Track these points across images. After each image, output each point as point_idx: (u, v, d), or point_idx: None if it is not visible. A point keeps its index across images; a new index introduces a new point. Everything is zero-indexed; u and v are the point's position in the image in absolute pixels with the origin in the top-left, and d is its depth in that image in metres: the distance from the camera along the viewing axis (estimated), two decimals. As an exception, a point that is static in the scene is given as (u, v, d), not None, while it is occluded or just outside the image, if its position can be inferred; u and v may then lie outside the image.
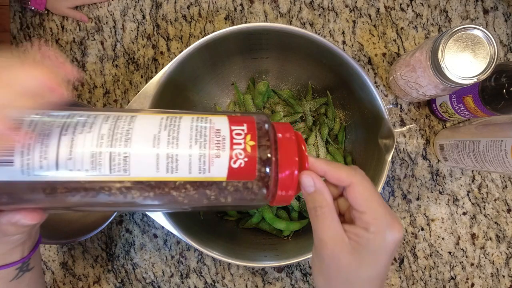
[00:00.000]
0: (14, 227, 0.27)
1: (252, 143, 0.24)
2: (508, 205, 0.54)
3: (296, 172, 0.25)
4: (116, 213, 0.46)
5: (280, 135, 0.25)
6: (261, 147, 0.24)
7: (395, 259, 0.55)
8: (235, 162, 0.23)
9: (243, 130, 0.24)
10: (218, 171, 0.23)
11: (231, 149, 0.24)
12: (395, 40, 0.56)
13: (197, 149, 0.23)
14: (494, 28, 0.55)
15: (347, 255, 0.24)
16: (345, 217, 0.27)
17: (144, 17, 0.57)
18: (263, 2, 0.56)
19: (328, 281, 0.26)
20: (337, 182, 0.26)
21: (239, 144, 0.24)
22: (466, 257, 0.54)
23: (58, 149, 0.23)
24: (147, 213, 0.41)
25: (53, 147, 0.23)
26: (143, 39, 0.57)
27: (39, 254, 0.38)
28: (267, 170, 0.24)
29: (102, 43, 0.57)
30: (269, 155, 0.24)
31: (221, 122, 0.25)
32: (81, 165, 0.23)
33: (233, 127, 0.25)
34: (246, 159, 0.24)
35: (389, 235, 0.24)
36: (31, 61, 0.24)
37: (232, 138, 0.24)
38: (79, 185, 0.23)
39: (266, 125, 0.26)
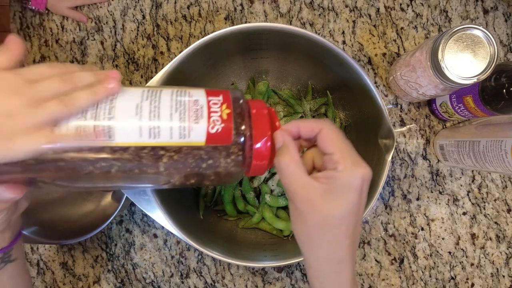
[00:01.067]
0: None
1: (227, 111, 0.26)
2: (508, 205, 0.54)
3: (269, 142, 0.27)
4: (116, 212, 0.46)
5: (254, 109, 0.28)
6: (236, 114, 0.27)
7: (395, 259, 0.55)
8: (212, 128, 0.26)
9: (219, 100, 0.27)
10: (197, 136, 0.26)
11: (209, 116, 0.26)
12: (395, 40, 0.56)
13: (177, 116, 0.26)
14: (494, 28, 0.55)
15: (319, 197, 0.26)
16: (320, 168, 0.29)
17: (144, 17, 0.57)
18: (263, 2, 0.56)
19: (305, 225, 0.27)
20: (310, 132, 0.28)
21: (216, 112, 0.26)
22: (466, 257, 0.54)
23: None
24: (146, 212, 0.41)
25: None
26: (143, 39, 0.57)
27: (22, 248, 0.38)
28: (242, 136, 0.26)
29: (102, 43, 0.57)
30: (243, 123, 0.27)
31: (198, 94, 0.27)
32: (64, 132, 0.24)
33: (210, 98, 0.27)
34: (222, 125, 0.26)
35: (355, 171, 0.26)
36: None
37: (209, 107, 0.26)
38: (64, 153, 0.24)
39: (241, 100, 0.28)
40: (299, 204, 0.27)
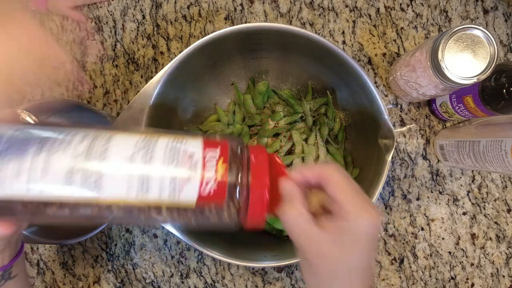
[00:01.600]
0: None
1: (223, 167, 0.24)
2: (508, 205, 0.54)
3: (266, 193, 0.25)
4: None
5: (253, 156, 0.26)
6: (232, 171, 0.24)
7: (395, 259, 0.55)
8: (206, 186, 0.24)
9: (215, 154, 0.25)
10: (189, 196, 0.24)
11: (203, 174, 0.24)
12: (395, 40, 0.56)
13: (169, 173, 0.24)
14: (494, 28, 0.55)
15: (329, 248, 0.25)
16: (330, 212, 0.28)
17: (144, 17, 0.57)
18: (263, 2, 0.56)
19: (315, 276, 0.27)
20: (316, 179, 0.27)
21: (211, 168, 0.24)
22: (466, 257, 0.54)
23: (31, 166, 0.23)
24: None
25: (27, 164, 0.23)
26: (143, 39, 0.57)
27: (23, 263, 0.38)
28: (237, 191, 0.24)
29: (102, 43, 0.57)
30: (239, 179, 0.25)
31: (194, 146, 0.25)
32: (54, 183, 0.23)
33: (206, 152, 0.25)
34: (216, 185, 0.24)
35: (364, 218, 0.25)
36: (25, 18, 0.25)
37: (204, 163, 0.24)
38: (52, 203, 0.23)
39: (239, 149, 0.26)
40: (309, 257, 0.26)
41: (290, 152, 0.52)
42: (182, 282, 0.55)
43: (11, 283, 0.35)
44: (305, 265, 0.27)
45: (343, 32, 0.56)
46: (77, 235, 0.49)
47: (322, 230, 0.26)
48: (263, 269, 0.55)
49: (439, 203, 0.55)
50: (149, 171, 0.24)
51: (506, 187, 0.54)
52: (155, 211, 0.24)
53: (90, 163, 0.23)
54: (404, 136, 0.55)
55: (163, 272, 0.56)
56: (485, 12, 0.56)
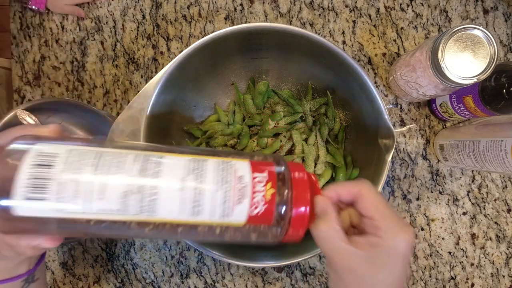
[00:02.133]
0: (32, 249, 0.28)
1: (272, 191, 0.25)
2: (508, 205, 0.54)
3: (307, 212, 0.26)
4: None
5: (295, 175, 0.27)
6: (280, 194, 0.25)
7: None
8: (255, 209, 0.25)
9: (264, 177, 0.26)
10: (238, 217, 0.25)
11: (252, 197, 0.25)
12: (395, 40, 0.56)
13: (220, 195, 0.25)
14: (494, 28, 0.55)
15: (362, 264, 0.25)
16: (358, 230, 0.29)
17: (144, 17, 0.57)
18: (263, 2, 0.56)
19: None
20: (349, 196, 0.28)
21: (260, 192, 0.25)
22: (466, 257, 0.54)
23: (88, 189, 0.23)
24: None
25: (84, 186, 0.23)
26: (143, 39, 0.57)
27: (44, 266, 0.39)
28: (283, 215, 0.25)
29: (102, 43, 0.57)
30: (286, 201, 0.26)
31: (243, 168, 0.26)
32: (110, 206, 0.23)
33: (255, 174, 0.26)
34: (265, 206, 0.25)
35: (400, 237, 0.25)
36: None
37: (253, 186, 0.25)
38: (108, 223, 0.24)
39: (283, 169, 0.27)
40: (340, 271, 0.26)
41: (290, 152, 0.52)
42: (182, 282, 0.55)
43: (34, 285, 0.36)
44: (335, 280, 0.28)
45: (343, 32, 0.56)
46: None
47: (354, 246, 0.26)
48: (263, 269, 0.55)
49: (439, 203, 0.55)
50: (201, 192, 0.24)
51: (506, 187, 0.54)
52: (205, 230, 0.25)
53: (144, 184, 0.24)
54: (404, 136, 0.55)
55: (163, 272, 0.56)
56: (485, 12, 0.56)
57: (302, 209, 0.26)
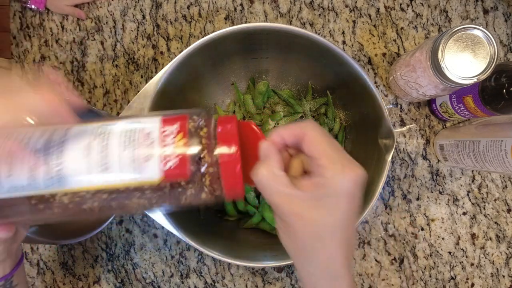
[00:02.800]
0: None
1: (182, 141, 0.24)
2: (508, 205, 0.54)
3: (238, 164, 0.24)
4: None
5: (219, 124, 0.25)
6: (193, 145, 0.24)
7: (395, 259, 0.55)
8: (166, 163, 0.23)
9: (175, 129, 0.24)
10: (151, 174, 0.23)
11: (162, 151, 0.24)
12: (395, 40, 0.56)
13: (127, 154, 0.23)
14: (494, 28, 0.55)
15: (306, 207, 0.24)
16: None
17: (144, 17, 0.57)
18: (263, 2, 0.56)
19: (294, 239, 0.25)
20: (295, 138, 0.26)
21: (169, 144, 0.24)
22: (466, 257, 0.54)
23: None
24: (146, 212, 0.41)
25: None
26: (143, 39, 0.57)
27: (23, 272, 0.38)
28: (204, 167, 0.24)
29: (102, 43, 0.57)
30: (204, 151, 0.24)
31: (152, 125, 0.25)
32: (19, 182, 0.23)
33: (163, 128, 0.24)
34: (177, 158, 0.23)
35: (344, 175, 0.24)
36: (41, 86, 0.25)
37: (162, 140, 0.24)
38: (23, 200, 0.24)
39: (202, 121, 0.25)
40: (285, 218, 0.25)
41: (290, 152, 0.52)
42: (182, 282, 0.55)
43: None
44: (281, 227, 0.26)
45: (343, 32, 0.56)
46: (77, 235, 0.49)
47: (297, 188, 0.24)
48: (263, 269, 0.55)
49: (439, 203, 0.55)
50: (107, 155, 0.24)
51: (506, 187, 0.54)
52: (124, 194, 0.24)
53: (48, 156, 0.24)
54: (404, 136, 0.55)
55: (163, 272, 0.56)
56: (485, 12, 0.56)
57: (230, 161, 0.24)
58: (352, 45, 0.56)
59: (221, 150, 0.24)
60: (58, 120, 0.25)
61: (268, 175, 0.25)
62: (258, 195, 0.53)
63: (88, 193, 0.24)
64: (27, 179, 0.23)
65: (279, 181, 0.25)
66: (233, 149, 0.24)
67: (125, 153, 0.24)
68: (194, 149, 0.24)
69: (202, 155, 0.24)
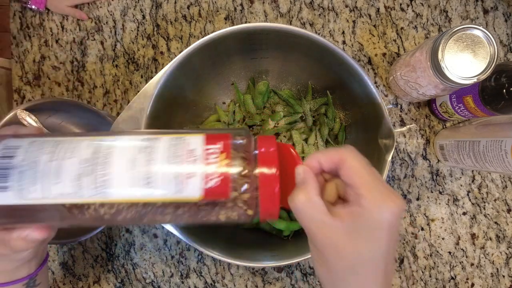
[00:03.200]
0: (23, 242, 0.28)
1: (225, 162, 0.24)
2: (508, 205, 0.54)
3: (277, 187, 0.24)
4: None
5: (262, 149, 0.25)
6: (236, 165, 0.24)
7: (395, 259, 0.55)
8: (209, 181, 0.24)
9: (218, 148, 0.24)
10: (193, 191, 0.24)
11: (205, 169, 0.24)
12: (395, 40, 0.56)
13: (171, 170, 0.24)
14: (494, 28, 0.55)
15: (343, 238, 0.23)
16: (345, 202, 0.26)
17: (144, 17, 0.57)
18: (263, 2, 0.56)
19: (328, 269, 0.24)
20: (331, 163, 0.25)
21: (213, 163, 0.24)
22: (466, 257, 0.54)
23: (46, 175, 0.24)
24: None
25: (42, 172, 0.24)
26: (143, 39, 0.57)
27: (46, 271, 0.39)
28: (244, 187, 0.24)
29: (102, 43, 0.57)
30: (245, 172, 0.24)
31: (196, 142, 0.25)
32: (66, 189, 0.24)
33: (207, 146, 0.25)
34: (220, 178, 0.24)
35: (385, 207, 0.23)
36: None
37: (205, 158, 0.24)
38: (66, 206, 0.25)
39: (244, 141, 0.25)
40: (320, 247, 0.24)
41: (290, 152, 0.52)
42: (182, 282, 0.55)
43: None
44: (316, 255, 0.25)
45: (343, 32, 0.56)
46: (77, 235, 0.49)
47: (334, 217, 0.23)
48: (263, 269, 0.55)
49: (439, 203, 0.55)
50: (151, 170, 0.24)
51: (506, 187, 0.54)
52: (160, 209, 0.25)
53: (95, 166, 0.24)
54: (404, 136, 0.55)
55: (163, 272, 0.56)
56: (485, 12, 0.56)
57: (270, 182, 0.24)
58: (352, 45, 0.56)
59: (261, 170, 0.24)
60: None
61: (306, 201, 0.24)
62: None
63: (125, 205, 0.25)
64: (73, 187, 0.24)
65: (317, 208, 0.24)
66: (272, 171, 0.24)
67: (169, 168, 0.24)
68: (236, 169, 0.24)
69: (242, 175, 0.24)
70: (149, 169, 0.24)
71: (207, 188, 0.24)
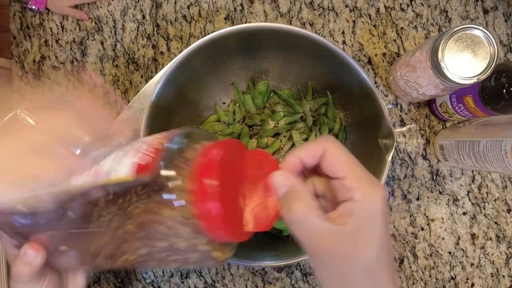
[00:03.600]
0: (25, 266, 0.27)
1: (161, 145, 0.24)
2: (508, 205, 0.54)
3: (214, 205, 0.20)
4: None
5: (206, 149, 0.23)
6: (170, 155, 0.23)
7: (395, 259, 0.55)
8: (136, 158, 0.24)
9: (162, 138, 0.25)
10: (124, 169, 0.24)
11: (139, 151, 0.24)
12: (395, 40, 0.56)
13: (117, 158, 0.25)
14: (494, 28, 0.55)
15: (348, 243, 0.21)
16: (325, 200, 0.24)
17: (144, 17, 0.57)
18: (263, 2, 0.56)
19: (340, 281, 0.22)
20: (313, 158, 0.23)
21: (148, 151, 0.24)
22: (466, 257, 0.54)
23: None
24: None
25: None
26: (143, 39, 0.57)
27: None
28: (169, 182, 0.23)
29: (102, 43, 0.57)
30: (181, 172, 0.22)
31: (150, 139, 0.26)
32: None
33: (157, 139, 0.25)
34: (149, 158, 0.23)
35: (375, 196, 0.21)
36: (83, 92, 0.27)
37: (150, 144, 0.24)
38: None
39: (181, 140, 0.25)
40: (325, 259, 0.22)
41: (290, 152, 0.52)
42: (182, 282, 0.55)
43: None
44: (320, 269, 0.23)
45: (343, 32, 0.56)
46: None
47: (337, 223, 0.21)
48: (263, 269, 0.55)
49: (439, 203, 0.55)
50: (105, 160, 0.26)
51: (506, 187, 0.54)
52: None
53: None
54: (404, 136, 0.55)
55: (163, 272, 0.56)
56: (485, 12, 0.56)
57: (205, 202, 0.20)
58: (352, 45, 0.56)
59: (198, 175, 0.21)
60: (102, 123, 0.27)
61: (307, 209, 0.21)
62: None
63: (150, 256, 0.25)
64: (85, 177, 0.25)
65: (319, 216, 0.21)
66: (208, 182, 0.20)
67: (117, 157, 0.26)
68: (169, 159, 0.23)
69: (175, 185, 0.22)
70: (105, 159, 0.26)
71: (135, 162, 0.23)
